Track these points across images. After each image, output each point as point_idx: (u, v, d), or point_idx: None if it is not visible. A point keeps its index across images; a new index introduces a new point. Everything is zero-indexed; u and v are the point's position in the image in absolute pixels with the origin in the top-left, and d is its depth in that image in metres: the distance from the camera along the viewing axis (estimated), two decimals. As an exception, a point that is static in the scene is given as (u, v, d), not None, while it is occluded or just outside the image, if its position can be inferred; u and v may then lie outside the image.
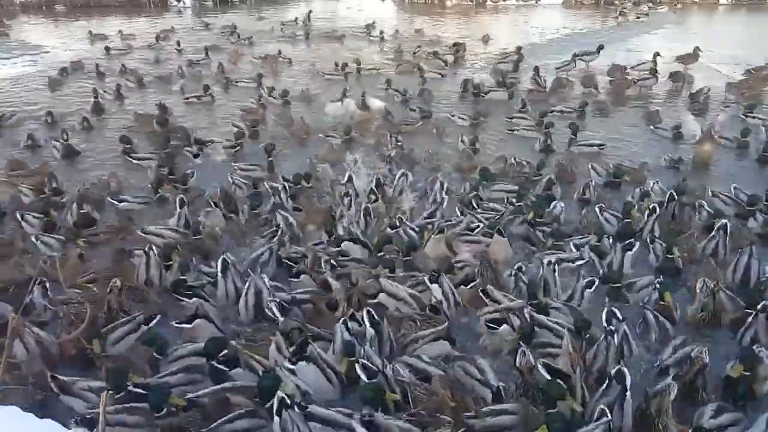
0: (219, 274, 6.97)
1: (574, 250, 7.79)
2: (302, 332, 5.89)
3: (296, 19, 26.72)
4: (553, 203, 9.11)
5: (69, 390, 5.44)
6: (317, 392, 5.43)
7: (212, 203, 9.02)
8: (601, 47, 18.38)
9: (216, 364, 5.59)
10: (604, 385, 5.14)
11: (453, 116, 13.94)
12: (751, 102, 14.17)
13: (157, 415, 5.02)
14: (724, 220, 7.92)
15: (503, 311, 6.38)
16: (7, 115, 13.97)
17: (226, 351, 5.63)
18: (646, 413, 5.03)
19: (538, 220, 8.47)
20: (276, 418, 4.77)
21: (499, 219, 8.64)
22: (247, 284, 6.69)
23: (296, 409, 4.80)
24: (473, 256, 7.71)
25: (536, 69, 16.85)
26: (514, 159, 10.98)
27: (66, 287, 6.93)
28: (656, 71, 16.16)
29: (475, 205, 9.18)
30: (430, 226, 8.41)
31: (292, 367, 5.46)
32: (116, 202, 9.51)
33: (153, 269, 7.29)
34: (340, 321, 5.92)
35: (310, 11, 27.40)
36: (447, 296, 6.72)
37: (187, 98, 15.65)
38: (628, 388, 4.95)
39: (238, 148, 11.94)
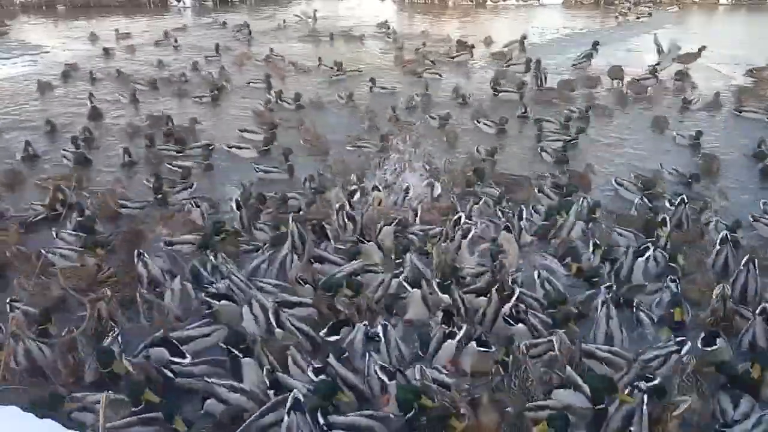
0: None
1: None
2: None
3: (303, 17, 26.73)
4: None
5: (82, 406, 5.42)
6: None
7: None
8: (596, 43, 18.43)
9: (232, 349, 5.75)
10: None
11: (479, 122, 13.38)
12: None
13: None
14: (725, 232, 7.81)
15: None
16: None
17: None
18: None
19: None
20: (285, 417, 4.87)
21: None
22: (248, 305, 6.57)
23: (317, 415, 4.96)
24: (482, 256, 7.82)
25: (538, 63, 16.75)
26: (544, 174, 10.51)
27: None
28: (656, 71, 16.15)
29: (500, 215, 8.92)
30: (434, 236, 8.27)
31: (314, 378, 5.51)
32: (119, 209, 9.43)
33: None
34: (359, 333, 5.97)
35: (315, 10, 27.33)
36: (458, 305, 6.70)
37: (200, 98, 15.63)
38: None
39: (268, 149, 11.84)
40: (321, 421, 4.94)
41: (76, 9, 30.76)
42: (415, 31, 24.74)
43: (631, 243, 8.08)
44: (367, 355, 5.76)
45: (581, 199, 8.98)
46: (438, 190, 9.75)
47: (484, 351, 5.96)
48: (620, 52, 20.16)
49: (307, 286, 7.21)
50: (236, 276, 7.13)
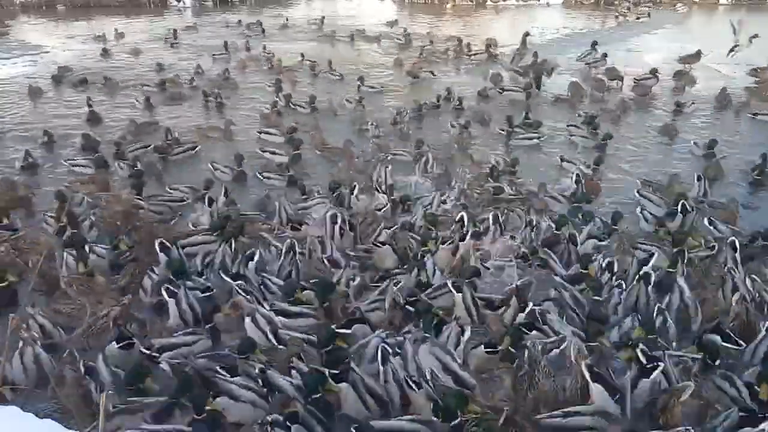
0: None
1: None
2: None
3: (320, 20, 26.74)
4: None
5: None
6: (357, 414, 5.39)
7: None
8: (594, 43, 18.48)
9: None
10: None
11: (503, 130, 12.99)
12: None
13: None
14: (732, 238, 7.77)
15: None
16: None
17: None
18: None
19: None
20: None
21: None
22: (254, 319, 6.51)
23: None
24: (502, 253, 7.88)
25: (526, 34, 17.25)
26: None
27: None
28: (657, 71, 16.15)
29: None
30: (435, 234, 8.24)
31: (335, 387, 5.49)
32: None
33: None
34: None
35: (324, 17, 27.27)
36: (469, 306, 6.70)
37: (213, 100, 15.40)
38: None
39: (299, 153, 11.67)
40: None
41: (76, 9, 30.71)
42: (417, 31, 24.73)
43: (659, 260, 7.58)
44: (385, 362, 5.71)
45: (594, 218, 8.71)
46: (452, 198, 9.66)
47: (491, 353, 6.03)
48: (620, 52, 20.15)
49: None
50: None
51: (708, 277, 7.33)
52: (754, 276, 7.15)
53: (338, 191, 9.74)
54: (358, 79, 16.39)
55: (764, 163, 10.82)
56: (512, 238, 8.30)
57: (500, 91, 15.72)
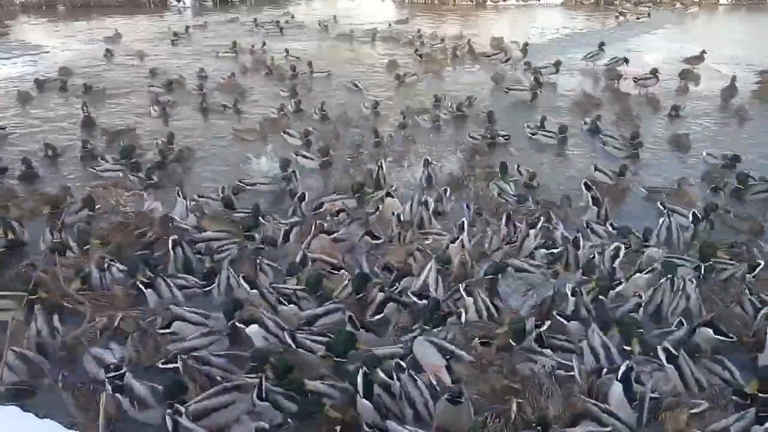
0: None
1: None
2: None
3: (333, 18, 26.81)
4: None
5: None
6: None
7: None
8: (602, 44, 18.53)
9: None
10: None
11: (535, 134, 12.66)
12: None
13: None
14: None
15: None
16: None
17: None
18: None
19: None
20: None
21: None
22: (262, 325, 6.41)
23: None
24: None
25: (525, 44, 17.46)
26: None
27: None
28: (657, 71, 16.14)
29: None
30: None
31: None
32: None
33: None
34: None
35: (335, 16, 27.38)
36: (480, 310, 6.68)
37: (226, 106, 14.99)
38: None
39: (328, 159, 11.43)
40: None
41: (76, 9, 30.73)
42: (411, 31, 24.70)
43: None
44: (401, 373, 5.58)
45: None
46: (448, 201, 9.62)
47: (485, 343, 6.08)
48: (620, 52, 20.11)
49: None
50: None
51: (726, 294, 7.01)
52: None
53: (360, 193, 9.79)
54: (352, 84, 16.50)
55: None
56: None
57: (506, 90, 15.71)
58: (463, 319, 6.60)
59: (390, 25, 25.28)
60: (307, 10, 31.04)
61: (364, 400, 5.23)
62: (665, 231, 8.43)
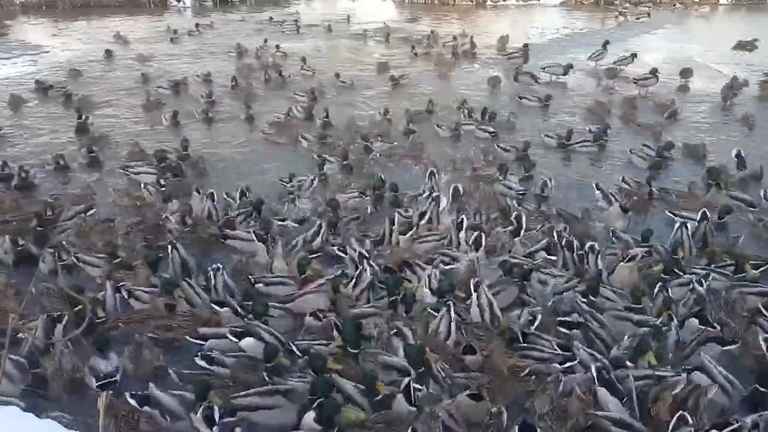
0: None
1: None
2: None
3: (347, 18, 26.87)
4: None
5: None
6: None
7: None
8: (606, 43, 18.57)
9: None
10: None
11: (549, 136, 12.59)
12: None
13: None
14: None
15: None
16: None
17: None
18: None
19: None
20: None
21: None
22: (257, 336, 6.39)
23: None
24: None
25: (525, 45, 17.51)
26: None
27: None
28: (657, 71, 16.12)
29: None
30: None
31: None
32: None
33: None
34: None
35: (349, 15, 27.35)
36: (483, 308, 6.73)
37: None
38: None
39: (347, 163, 11.15)
40: None
41: (76, 9, 30.73)
42: (420, 30, 24.75)
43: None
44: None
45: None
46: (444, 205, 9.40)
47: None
48: (620, 52, 20.12)
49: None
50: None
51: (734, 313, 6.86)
52: None
53: (381, 191, 9.92)
54: (349, 84, 16.54)
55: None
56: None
57: (519, 99, 15.62)
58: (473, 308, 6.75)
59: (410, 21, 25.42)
60: (307, 10, 31.03)
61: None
62: (679, 238, 8.29)
